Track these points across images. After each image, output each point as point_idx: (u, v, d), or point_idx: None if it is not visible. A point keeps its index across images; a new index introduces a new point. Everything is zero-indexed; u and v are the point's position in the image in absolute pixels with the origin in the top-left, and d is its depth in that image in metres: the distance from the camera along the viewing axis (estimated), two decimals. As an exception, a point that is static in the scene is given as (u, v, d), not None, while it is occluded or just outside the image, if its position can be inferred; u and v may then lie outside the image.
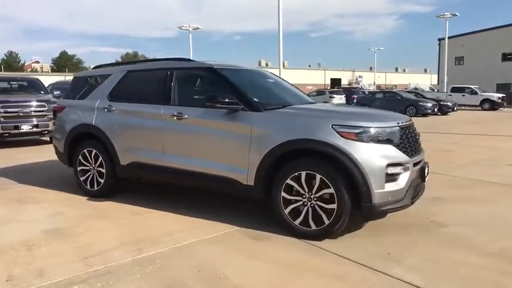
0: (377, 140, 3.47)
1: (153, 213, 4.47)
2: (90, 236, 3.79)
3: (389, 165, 3.43)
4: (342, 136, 3.45)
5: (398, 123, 3.68)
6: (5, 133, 9.19)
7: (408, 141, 3.71)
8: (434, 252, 3.37)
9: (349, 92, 27.95)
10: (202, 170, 4.16)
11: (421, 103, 21.44)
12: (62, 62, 74.92)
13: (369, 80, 66.17)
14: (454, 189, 5.46)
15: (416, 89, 40.55)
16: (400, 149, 3.56)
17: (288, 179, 3.63)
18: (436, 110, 21.52)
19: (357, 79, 70.76)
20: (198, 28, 36.12)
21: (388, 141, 3.52)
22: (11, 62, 70.32)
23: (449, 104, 23.03)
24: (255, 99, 3.95)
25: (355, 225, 3.87)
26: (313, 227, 3.58)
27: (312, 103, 4.82)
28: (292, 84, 5.36)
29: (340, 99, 26.87)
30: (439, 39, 45.08)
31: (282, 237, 3.69)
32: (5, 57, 71.48)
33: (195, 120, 4.18)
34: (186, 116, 4.22)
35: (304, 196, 3.61)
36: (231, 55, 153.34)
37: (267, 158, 3.72)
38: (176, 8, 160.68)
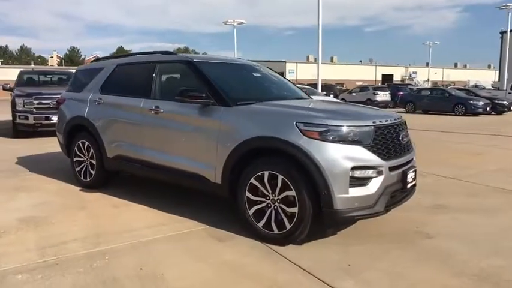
0: (344, 140, 3.17)
1: (133, 206, 4.46)
2: (60, 226, 3.84)
3: (355, 168, 3.12)
4: (304, 134, 3.19)
5: (374, 122, 3.34)
6: (37, 123, 9.72)
7: (386, 143, 3.37)
8: (402, 266, 3.03)
9: (395, 89, 26.64)
10: (176, 165, 4.08)
11: (471, 101, 19.95)
12: (119, 57, 78.68)
13: (425, 76, 62.90)
14: (465, 197, 4.94)
15: (476, 86, 37.90)
16: (372, 151, 3.23)
17: (252, 179, 3.44)
18: (488, 109, 19.93)
19: (410, 75, 67.52)
20: (242, 23, 36.15)
21: (357, 141, 3.21)
22: (73, 57, 75.05)
23: (504, 102, 21.22)
24: (227, 94, 3.77)
25: (332, 231, 3.61)
26: (276, 230, 3.37)
27: (301, 98, 4.57)
28: (288, 80, 5.13)
29: (384, 96, 25.73)
30: (501, 32, 41.74)
31: (246, 239, 3.52)
32: (67, 53, 76.39)
33: (169, 114, 4.10)
34: (162, 110, 4.15)
35: (268, 197, 3.40)
36: (281, 50, 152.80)
37: (232, 156, 3.55)
38: (231, 3, 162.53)
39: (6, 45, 77.41)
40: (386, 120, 3.48)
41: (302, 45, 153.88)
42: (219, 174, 3.68)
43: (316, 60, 64.92)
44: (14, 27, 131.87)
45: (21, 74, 11.20)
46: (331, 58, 67.20)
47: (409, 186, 3.57)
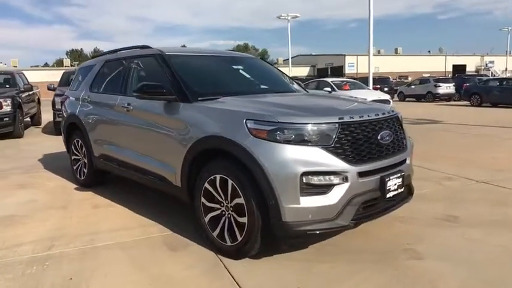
0: (296, 140, 2.69)
1: (113, 207, 4.32)
2: (28, 227, 3.79)
3: (308, 173, 2.63)
4: (251, 134, 2.77)
5: (341, 118, 2.81)
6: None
7: (356, 143, 2.82)
8: (362, 293, 2.50)
9: (461, 80, 24.30)
10: (144, 165, 3.86)
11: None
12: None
13: (503, 66, 57.15)
14: (489, 206, 4.14)
15: None
16: (334, 153, 2.71)
17: (206, 183, 3.09)
18: None
19: (486, 65, 61.78)
20: (296, 17, 35.42)
21: (314, 142, 2.71)
22: (141, 57, 78.97)
23: None
24: (189, 89, 3.43)
25: (305, 244, 3.16)
26: (228, 242, 3.00)
27: (288, 92, 4.10)
28: (282, 72, 4.66)
29: (447, 88, 23.65)
30: None
31: (201, 249, 3.19)
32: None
33: (137, 112, 3.88)
34: (131, 108, 3.94)
35: (222, 204, 3.03)
36: (344, 43, 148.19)
37: (188, 157, 3.23)
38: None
39: (81, 49, 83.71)
40: (361, 116, 2.92)
41: (365, 38, 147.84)
42: (178, 176, 3.38)
43: (379, 52, 61.87)
44: (91, 31, 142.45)
45: (64, 74, 11.76)
46: (396, 49, 63.60)
47: (391, 195, 2.98)
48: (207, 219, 3.15)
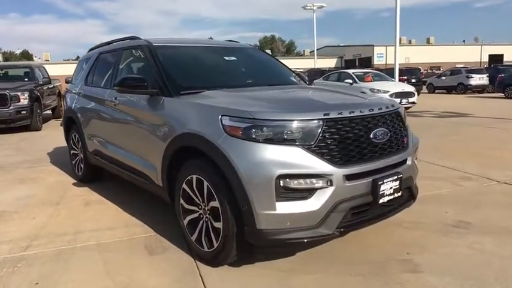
0: (274, 138, 2.42)
1: (105, 205, 4.18)
2: (14, 224, 3.71)
3: (286, 176, 2.35)
4: (225, 131, 2.51)
5: (326, 114, 2.50)
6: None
7: (343, 142, 2.52)
8: (342, 313, 2.22)
9: (496, 71, 22.94)
10: (130, 163, 3.69)
11: None
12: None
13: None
14: (508, 212, 3.71)
15: None
16: (317, 154, 2.42)
17: (184, 184, 2.87)
18: None
19: (527, 54, 58.41)
20: (323, 7, 34.53)
21: (293, 141, 2.42)
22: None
23: None
24: (172, 82, 3.21)
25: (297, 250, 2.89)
26: (205, 247, 2.77)
27: (286, 84, 3.82)
28: (283, 64, 4.35)
29: (480, 79, 22.43)
30: None
31: (180, 254, 3.00)
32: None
33: (123, 106, 3.70)
34: (118, 102, 3.76)
35: (200, 207, 2.81)
36: (373, 33, 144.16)
37: (166, 155, 3.02)
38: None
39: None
40: (351, 112, 2.60)
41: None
42: (159, 175, 3.18)
43: (410, 43, 59.53)
44: (121, 25, 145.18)
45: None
46: (428, 39, 61.25)
47: (385, 200, 2.65)
48: (185, 222, 2.93)
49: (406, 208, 3.07)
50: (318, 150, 2.43)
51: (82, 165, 4.90)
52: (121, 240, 3.27)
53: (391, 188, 2.67)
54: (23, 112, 9.68)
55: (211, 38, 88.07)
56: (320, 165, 2.40)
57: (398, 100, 12.43)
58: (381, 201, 2.61)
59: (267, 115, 2.46)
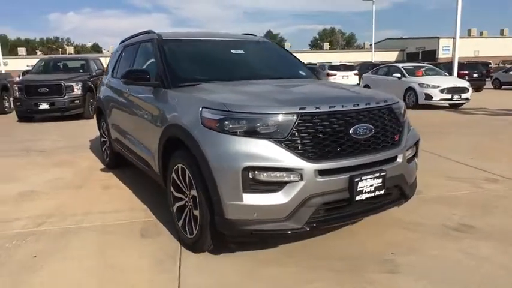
0: (246, 131, 2.45)
1: (121, 190, 4.47)
2: (37, 203, 4.08)
3: (253, 168, 2.38)
4: (202, 122, 2.60)
5: (303, 108, 2.49)
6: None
7: (318, 137, 2.49)
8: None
9: None
10: (137, 151, 3.92)
11: None
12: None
13: None
14: (526, 217, 3.43)
15: None
16: (288, 147, 2.42)
17: (173, 172, 3.01)
18: None
19: None
20: (382, -3, 33.01)
21: (265, 134, 2.44)
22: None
23: None
24: (172, 74, 3.34)
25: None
26: (188, 234, 2.90)
27: (296, 78, 3.83)
28: (295, 57, 4.32)
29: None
30: None
31: (171, 238, 3.14)
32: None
33: (134, 97, 3.91)
34: (129, 93, 3.99)
35: (186, 195, 2.93)
36: (440, 25, 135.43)
37: (160, 144, 3.17)
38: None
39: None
40: (331, 106, 2.57)
41: (467, 18, 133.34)
42: (156, 163, 3.35)
43: (482, 34, 55.31)
44: (184, 18, 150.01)
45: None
46: (502, 31, 56.49)
47: (363, 197, 2.59)
48: (174, 208, 3.08)
49: (397, 207, 2.97)
50: (290, 144, 2.43)
51: (108, 152, 5.25)
52: (122, 223, 3.49)
53: (371, 185, 2.60)
54: (76, 101, 10.47)
55: (269, 31, 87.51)
56: (290, 159, 2.40)
57: (449, 96, 11.74)
58: (357, 198, 2.56)
59: (241, 108, 2.51)
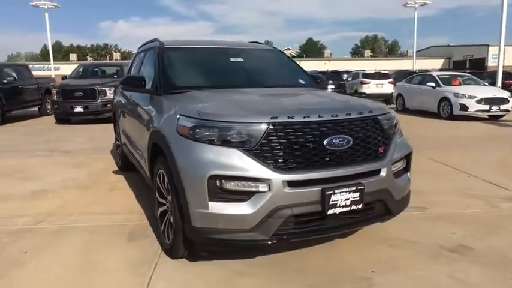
0: (215, 140, 2.44)
1: (125, 192, 4.59)
2: (46, 201, 4.27)
3: (220, 177, 2.37)
4: (177, 129, 2.62)
5: (274, 118, 2.45)
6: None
7: (289, 147, 2.43)
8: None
9: None
10: (136, 154, 4.00)
11: None
12: (307, 48, 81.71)
13: None
14: (533, 241, 3.16)
15: None
16: (257, 157, 2.39)
17: (157, 177, 3.05)
18: None
19: None
20: (426, 4, 32.07)
21: (234, 143, 2.42)
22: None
23: None
24: (166, 82, 3.40)
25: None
26: (166, 239, 2.92)
27: (287, 86, 3.77)
28: (298, 66, 4.27)
29: None
30: None
31: (155, 243, 3.18)
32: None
33: (134, 103, 4.02)
34: (132, 99, 4.10)
35: (167, 200, 2.96)
36: (491, 32, 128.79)
37: (148, 150, 3.23)
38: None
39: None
40: (305, 116, 2.51)
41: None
42: (147, 168, 3.42)
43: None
44: (228, 26, 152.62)
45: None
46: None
47: (337, 211, 2.50)
48: (158, 213, 3.11)
49: (380, 223, 2.85)
50: (260, 154, 2.40)
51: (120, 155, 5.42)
52: (114, 225, 3.58)
53: (347, 199, 2.51)
54: (108, 105, 10.87)
55: (310, 38, 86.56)
56: (258, 169, 2.37)
57: (486, 107, 11.13)
58: (330, 212, 2.47)
59: (213, 116, 2.51)
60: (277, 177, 2.37)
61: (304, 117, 2.50)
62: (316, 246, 3.04)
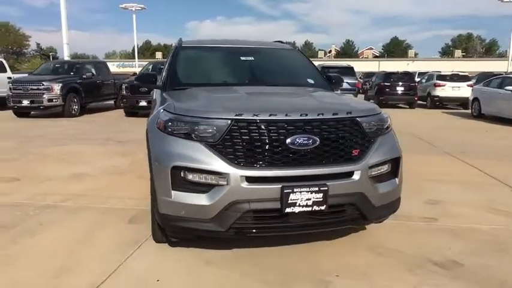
0: (182, 133, 2.60)
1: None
2: (81, 183, 4.81)
3: (182, 168, 2.52)
4: (156, 123, 2.83)
5: (239, 115, 2.53)
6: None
7: (251, 144, 2.50)
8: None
9: None
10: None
11: None
12: (391, 48, 78.02)
13: None
14: (543, 265, 2.82)
15: None
16: (218, 152, 2.50)
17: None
18: None
19: None
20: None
21: (199, 137, 2.55)
22: (348, 50, 79.93)
23: None
24: (171, 79, 3.66)
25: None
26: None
27: (301, 86, 3.80)
28: (315, 67, 4.23)
29: None
30: None
31: (149, 227, 3.43)
32: (343, 45, 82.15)
33: (153, 98, 4.32)
34: (153, 94, 4.42)
35: (154, 187, 3.20)
36: None
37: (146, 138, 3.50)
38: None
39: (294, 41, 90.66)
40: (272, 115, 2.55)
41: None
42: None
43: None
44: (310, 25, 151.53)
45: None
46: None
47: (296, 210, 2.50)
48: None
49: (352, 226, 2.78)
50: (221, 149, 2.50)
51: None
52: (124, 209, 3.92)
53: (308, 199, 2.50)
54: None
55: (395, 37, 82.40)
56: (217, 163, 2.47)
57: None
58: (288, 210, 2.49)
59: (185, 111, 2.67)
60: (235, 172, 2.45)
61: (270, 115, 2.55)
62: (296, 246, 3.05)
